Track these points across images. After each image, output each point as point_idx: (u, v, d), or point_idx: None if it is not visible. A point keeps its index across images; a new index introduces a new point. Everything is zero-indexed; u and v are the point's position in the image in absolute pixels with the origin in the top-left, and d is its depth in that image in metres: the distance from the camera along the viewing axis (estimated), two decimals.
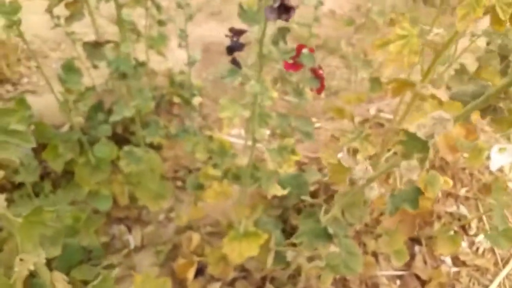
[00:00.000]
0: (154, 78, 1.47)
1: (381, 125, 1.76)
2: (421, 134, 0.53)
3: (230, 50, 0.74)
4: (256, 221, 1.04)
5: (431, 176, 0.77)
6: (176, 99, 1.68)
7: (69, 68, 1.09)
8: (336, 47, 2.26)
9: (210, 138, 1.12)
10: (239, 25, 2.48)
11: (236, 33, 0.78)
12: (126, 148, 1.04)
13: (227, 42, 0.75)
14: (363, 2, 2.60)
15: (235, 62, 0.82)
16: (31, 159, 1.29)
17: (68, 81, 1.07)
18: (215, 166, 0.88)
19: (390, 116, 1.76)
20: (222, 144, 0.89)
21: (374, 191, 0.69)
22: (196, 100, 1.67)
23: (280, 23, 0.71)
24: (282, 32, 0.73)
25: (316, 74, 1.18)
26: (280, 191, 0.94)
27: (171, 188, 1.17)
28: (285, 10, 0.65)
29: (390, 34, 0.76)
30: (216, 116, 1.79)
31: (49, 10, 1.15)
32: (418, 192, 0.62)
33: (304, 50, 1.11)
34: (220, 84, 1.92)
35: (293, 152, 0.84)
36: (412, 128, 0.55)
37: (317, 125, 1.79)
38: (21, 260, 0.49)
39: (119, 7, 1.15)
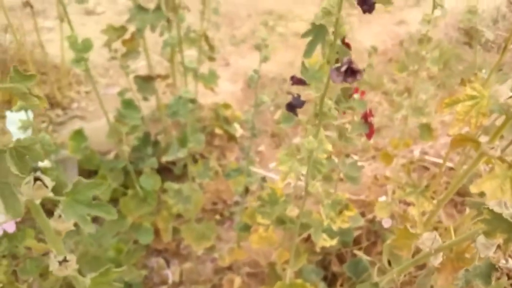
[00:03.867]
0: (200, 111, 1.49)
1: (426, 168, 1.71)
2: (507, 215, 0.50)
3: (291, 107, 0.74)
4: (299, 269, 1.01)
5: None
6: (218, 131, 1.70)
7: (128, 104, 1.12)
8: (378, 82, 2.24)
9: (263, 179, 1.11)
10: (282, 56, 2.48)
11: (296, 81, 0.78)
12: (174, 186, 1.04)
13: (289, 99, 0.74)
14: (406, 37, 2.57)
15: (292, 107, 0.81)
16: None
17: (127, 116, 1.10)
18: (263, 214, 0.87)
19: (436, 160, 1.71)
20: (274, 191, 0.88)
21: (439, 259, 0.66)
22: (238, 133, 1.68)
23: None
24: (345, 92, 0.72)
25: (366, 120, 1.16)
26: (329, 242, 0.92)
27: (215, 229, 1.16)
28: (351, 74, 0.64)
29: (459, 92, 0.74)
30: (256, 149, 1.79)
31: (108, 45, 1.19)
32: (493, 269, 0.58)
33: (356, 95, 1.10)
34: (261, 116, 1.92)
35: (347, 207, 0.82)
36: (493, 205, 0.52)
37: (358, 163, 1.75)
38: None
39: (174, 48, 1.18)
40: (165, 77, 1.37)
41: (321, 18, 0.62)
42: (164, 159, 1.01)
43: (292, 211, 0.85)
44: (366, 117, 1.16)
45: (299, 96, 0.74)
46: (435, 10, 1.12)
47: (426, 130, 1.25)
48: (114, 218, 0.46)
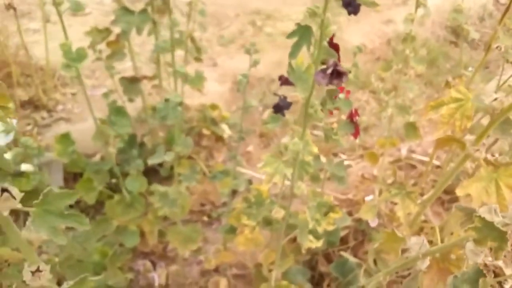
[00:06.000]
0: (187, 112, 1.48)
1: (413, 166, 1.72)
2: (498, 223, 0.50)
3: (278, 108, 0.73)
4: (286, 270, 1.01)
5: None
6: (206, 131, 1.69)
7: (118, 111, 1.11)
8: (366, 81, 2.24)
9: (250, 182, 1.11)
10: (270, 56, 2.46)
11: (284, 81, 0.77)
12: (160, 188, 1.03)
13: (276, 100, 0.74)
14: (393, 36, 2.59)
15: (279, 109, 0.81)
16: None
17: (117, 123, 1.08)
18: (249, 215, 0.87)
19: (423, 158, 1.73)
20: (259, 193, 0.87)
21: (426, 263, 0.66)
22: (226, 134, 1.67)
23: None
24: (331, 94, 0.72)
25: (352, 119, 1.16)
26: (314, 243, 0.91)
27: (201, 231, 1.15)
28: (337, 76, 0.64)
29: (446, 91, 0.74)
30: (244, 149, 1.79)
31: (92, 47, 1.18)
32: (480, 274, 0.58)
33: (341, 95, 1.10)
34: (249, 117, 1.92)
35: (332, 209, 0.82)
36: (483, 212, 0.52)
37: (345, 162, 1.76)
38: None
39: (157, 44, 1.17)
40: (151, 78, 1.35)
41: (306, 18, 0.62)
42: (150, 162, 1.00)
43: (278, 213, 0.85)
44: (351, 117, 1.16)
45: (285, 97, 0.73)
46: (418, 9, 1.13)
47: (412, 129, 1.26)
48: (86, 228, 0.45)
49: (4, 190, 0.43)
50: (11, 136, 0.91)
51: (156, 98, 1.59)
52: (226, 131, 1.56)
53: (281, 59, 2.12)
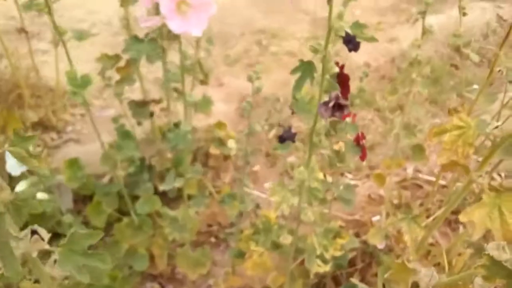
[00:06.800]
0: (194, 134, 1.49)
1: (419, 186, 1.72)
2: (507, 262, 0.50)
3: (282, 140, 0.75)
4: None
5: None
6: (213, 151, 1.70)
7: (125, 135, 1.13)
8: (371, 99, 2.26)
9: (257, 206, 1.12)
10: (276, 75, 2.49)
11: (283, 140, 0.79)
12: (170, 213, 1.05)
13: (280, 131, 0.75)
14: (398, 55, 2.61)
15: (283, 140, 0.82)
16: (73, 213, 1.32)
17: (124, 147, 1.11)
18: (257, 241, 0.88)
19: (429, 178, 1.73)
20: (267, 219, 0.88)
21: None
22: (233, 151, 1.68)
23: None
24: (334, 125, 0.74)
25: (358, 142, 1.18)
26: (323, 268, 0.92)
27: (210, 255, 1.16)
28: (339, 109, 0.66)
29: (447, 122, 0.76)
30: (251, 169, 1.80)
31: (101, 74, 1.21)
32: None
33: (347, 119, 1.12)
34: (255, 136, 1.94)
35: (339, 235, 0.83)
36: (492, 249, 0.53)
37: (352, 182, 1.77)
38: None
39: (167, 72, 1.19)
40: (159, 101, 1.38)
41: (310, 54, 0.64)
42: (162, 188, 1.02)
43: (286, 239, 0.86)
44: (358, 140, 1.18)
45: (290, 128, 0.75)
46: (423, 29, 1.15)
47: (418, 151, 1.27)
48: (109, 267, 0.46)
49: (34, 232, 0.45)
50: (25, 166, 0.93)
51: (164, 119, 1.61)
52: (233, 148, 1.58)
53: (287, 79, 2.15)
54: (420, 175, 1.70)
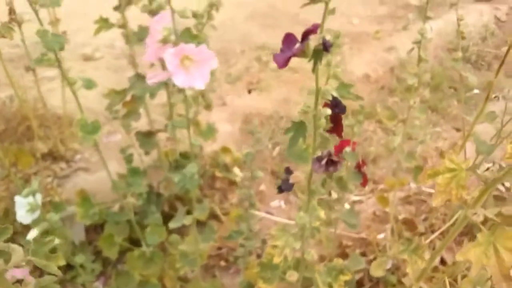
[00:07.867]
0: (200, 159, 1.53)
1: (423, 201, 1.75)
2: None
3: (281, 189, 0.78)
4: None
5: None
6: (219, 174, 1.74)
7: (134, 172, 1.17)
8: (372, 111, 2.29)
9: (263, 241, 1.15)
10: (277, 93, 2.50)
11: (288, 171, 0.82)
12: (180, 245, 1.08)
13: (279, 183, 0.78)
14: (396, 64, 2.64)
15: (282, 191, 0.84)
16: (86, 246, 1.36)
17: (133, 184, 1.15)
18: (264, 279, 0.91)
19: (433, 191, 1.74)
20: (273, 256, 0.91)
21: None
22: (238, 178, 1.72)
23: None
24: (330, 175, 0.77)
25: (360, 169, 1.20)
26: None
27: (220, 285, 1.20)
28: (332, 164, 0.68)
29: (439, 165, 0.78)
30: (257, 188, 1.83)
31: (109, 109, 1.24)
32: None
33: (347, 149, 1.15)
34: (260, 155, 1.97)
35: (342, 272, 0.86)
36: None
37: (356, 198, 1.80)
38: None
39: (172, 106, 1.23)
40: (164, 130, 1.41)
41: (300, 115, 0.67)
42: (171, 226, 1.06)
43: (292, 276, 0.89)
44: (359, 167, 1.20)
45: (287, 179, 0.77)
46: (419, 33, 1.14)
47: (419, 172, 1.29)
48: None
49: None
50: (36, 214, 0.96)
51: (170, 145, 1.65)
52: (238, 176, 1.61)
53: (288, 96, 2.18)
54: (424, 189, 1.72)
